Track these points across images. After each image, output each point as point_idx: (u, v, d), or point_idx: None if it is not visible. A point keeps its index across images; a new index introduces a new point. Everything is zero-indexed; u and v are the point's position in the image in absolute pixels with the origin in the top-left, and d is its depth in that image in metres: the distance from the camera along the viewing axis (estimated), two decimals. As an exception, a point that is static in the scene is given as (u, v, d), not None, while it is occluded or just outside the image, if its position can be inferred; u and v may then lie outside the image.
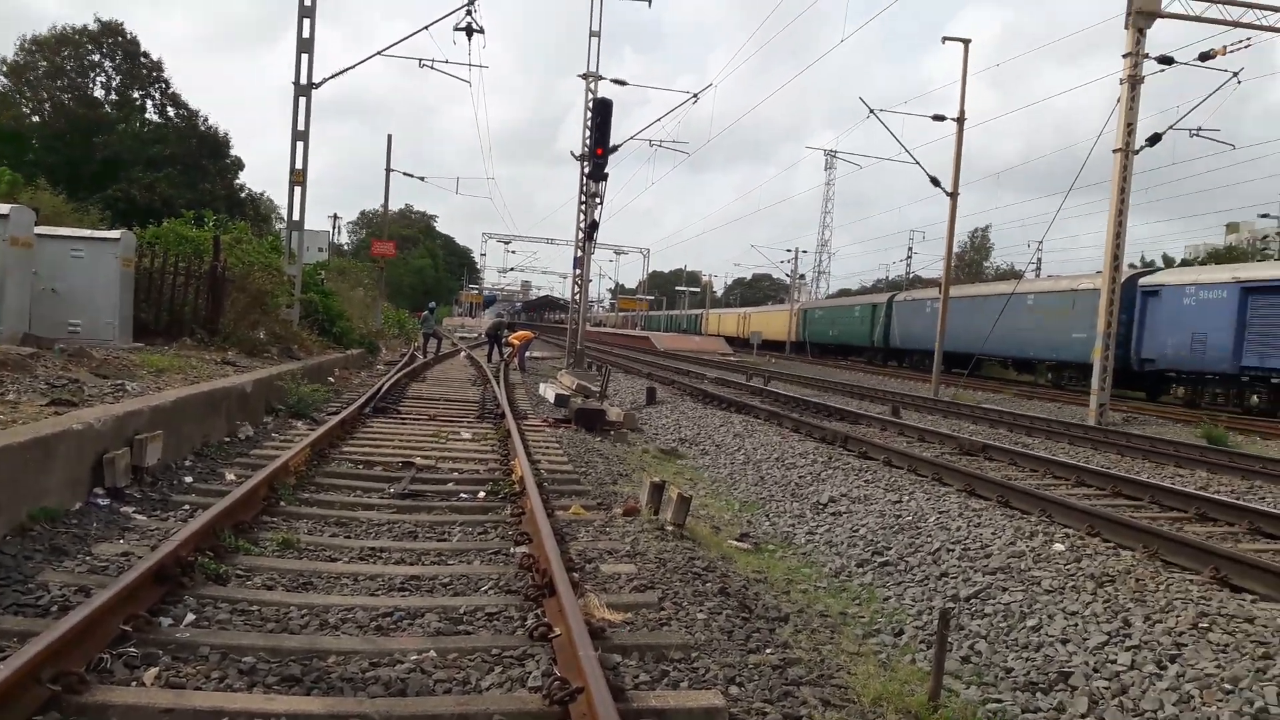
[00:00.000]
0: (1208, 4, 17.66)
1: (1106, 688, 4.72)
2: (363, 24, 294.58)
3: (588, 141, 23.14)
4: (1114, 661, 4.95)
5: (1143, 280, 25.20)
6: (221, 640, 3.70)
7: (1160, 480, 10.37)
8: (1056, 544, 7.04)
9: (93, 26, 35.52)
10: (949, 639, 5.03)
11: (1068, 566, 6.47)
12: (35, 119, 34.22)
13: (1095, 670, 4.92)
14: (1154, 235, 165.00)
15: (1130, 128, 17.94)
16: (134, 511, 5.73)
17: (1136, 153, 18.12)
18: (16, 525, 4.82)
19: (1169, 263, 52.52)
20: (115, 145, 33.83)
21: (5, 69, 34.49)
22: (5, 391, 6.96)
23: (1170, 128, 19.12)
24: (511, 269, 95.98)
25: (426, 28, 19.45)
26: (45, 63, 34.78)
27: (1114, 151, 18.18)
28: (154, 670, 3.36)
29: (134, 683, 3.27)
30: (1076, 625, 5.46)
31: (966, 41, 24.36)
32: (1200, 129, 20.53)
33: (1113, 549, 6.90)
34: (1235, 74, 17.98)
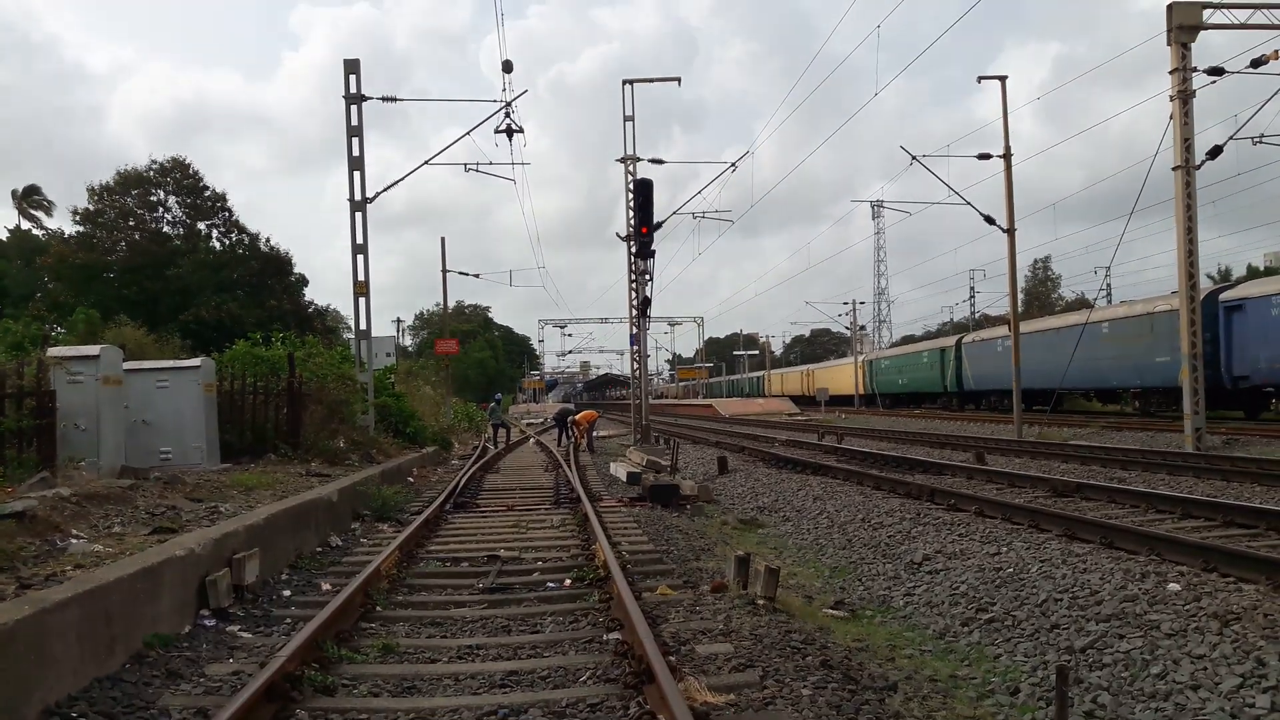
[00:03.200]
0: (1251, 10, 17.41)
1: (1248, 733, 4.43)
2: (417, 135, 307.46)
3: (631, 222, 23.60)
4: (1252, 705, 4.66)
5: (1223, 295, 24.47)
6: (337, 753, 3.73)
7: (1275, 505, 9.84)
8: (1171, 584, 6.71)
9: (153, 170, 38.21)
10: (1069, 694, 4.80)
11: (1187, 607, 6.14)
12: (111, 258, 36.49)
13: (1233, 716, 4.64)
14: (1228, 248, 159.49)
15: (1187, 143, 17.57)
16: (239, 630, 5.86)
17: (1198, 168, 17.71)
18: (134, 653, 5.00)
19: (1254, 273, 50.57)
20: (186, 275, 35.74)
21: (79, 216, 37.26)
22: (111, 524, 7.25)
23: (1230, 138, 18.63)
24: (569, 351, 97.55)
25: (469, 133, 20.38)
26: (114, 209, 37.49)
27: (1173, 169, 17.82)
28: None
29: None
30: (1205, 669, 5.17)
31: (1003, 79, 24.93)
32: (1263, 136, 20.01)
33: (1233, 584, 6.54)
34: (1291, 75, 17.50)
